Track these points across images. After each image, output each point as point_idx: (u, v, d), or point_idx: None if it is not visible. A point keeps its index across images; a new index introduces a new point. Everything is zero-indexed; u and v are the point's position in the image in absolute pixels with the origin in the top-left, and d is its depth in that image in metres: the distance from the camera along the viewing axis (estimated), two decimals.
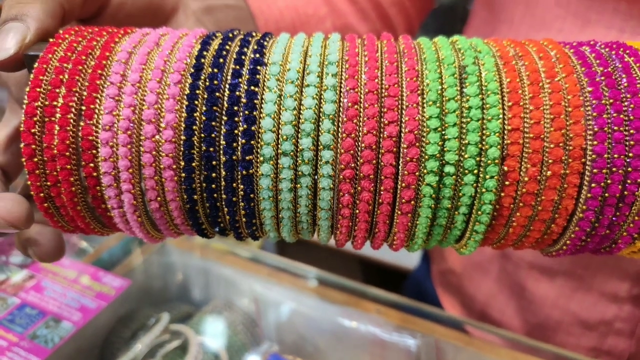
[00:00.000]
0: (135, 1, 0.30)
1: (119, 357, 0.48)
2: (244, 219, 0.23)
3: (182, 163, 0.22)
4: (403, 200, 0.22)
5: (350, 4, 0.51)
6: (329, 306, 0.50)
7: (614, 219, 0.22)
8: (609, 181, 0.21)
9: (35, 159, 0.22)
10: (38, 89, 0.22)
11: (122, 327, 0.51)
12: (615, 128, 0.21)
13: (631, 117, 0.21)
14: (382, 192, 0.22)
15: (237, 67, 0.22)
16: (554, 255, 0.25)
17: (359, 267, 1.39)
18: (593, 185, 0.21)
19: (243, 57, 0.23)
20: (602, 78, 0.22)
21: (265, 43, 0.24)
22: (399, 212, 0.22)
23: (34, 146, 0.22)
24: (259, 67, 0.22)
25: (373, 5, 0.54)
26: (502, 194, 0.21)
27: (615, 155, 0.21)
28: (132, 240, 0.57)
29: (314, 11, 0.47)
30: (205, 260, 0.56)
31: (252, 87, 0.22)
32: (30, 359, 0.43)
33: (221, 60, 0.22)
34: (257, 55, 0.23)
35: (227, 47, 0.23)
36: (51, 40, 0.23)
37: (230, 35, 0.24)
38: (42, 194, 0.23)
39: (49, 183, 0.22)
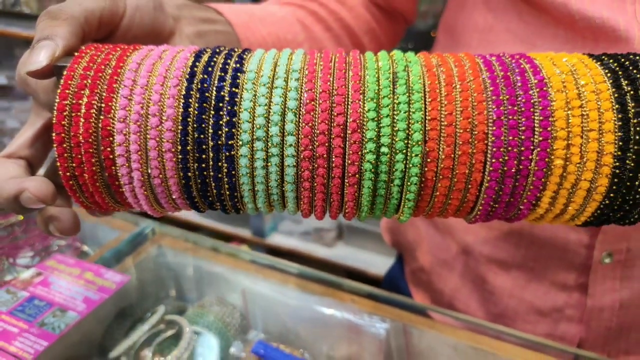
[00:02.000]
0: (140, 26, 0.36)
1: (119, 345, 0.53)
2: (227, 192, 0.29)
3: (179, 147, 0.28)
4: (349, 175, 0.28)
5: (325, 31, 0.58)
6: (309, 297, 0.55)
7: (513, 188, 0.28)
8: (506, 157, 0.27)
9: (64, 145, 0.28)
10: (67, 91, 0.28)
11: (122, 319, 0.57)
12: (510, 117, 0.27)
13: (523, 109, 0.27)
14: (333, 168, 0.28)
15: (222, 74, 0.29)
16: (473, 221, 0.31)
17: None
18: (493, 161, 0.27)
19: (227, 66, 0.29)
20: (502, 79, 0.28)
21: (245, 56, 0.30)
22: (347, 184, 0.28)
23: (63, 135, 0.28)
24: (239, 74, 0.29)
25: (347, 33, 0.61)
26: (426, 169, 0.28)
27: (510, 138, 0.27)
28: (130, 242, 0.63)
29: (293, 37, 0.54)
30: (198, 259, 0.62)
31: (234, 89, 0.28)
32: (40, 342, 0.48)
33: (210, 68, 0.29)
34: (238, 65, 0.29)
35: (215, 59, 0.30)
36: (76, 54, 0.30)
37: (218, 50, 0.31)
38: (68, 173, 0.29)
39: (74, 164, 0.28)
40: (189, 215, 1.97)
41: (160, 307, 0.57)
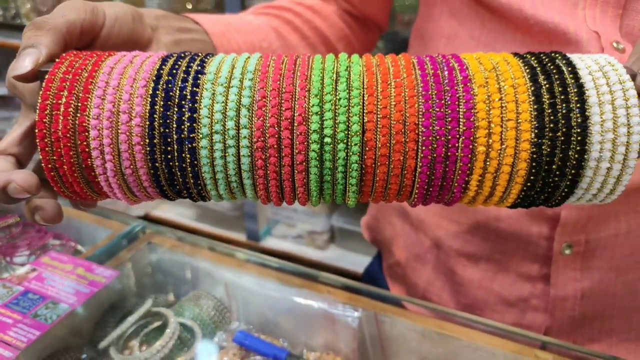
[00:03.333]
0: (119, 35, 0.40)
1: (108, 336, 0.57)
2: (191, 181, 0.33)
3: (147, 140, 0.32)
4: (297, 163, 0.32)
5: (301, 40, 0.62)
6: (288, 289, 0.59)
7: (444, 173, 0.32)
8: (435, 145, 0.31)
9: (46, 140, 0.32)
10: (48, 92, 0.32)
11: (112, 313, 0.60)
12: (437, 109, 0.31)
13: (449, 102, 0.31)
14: (283, 157, 0.32)
15: (185, 75, 0.33)
16: (414, 204, 0.35)
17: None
18: (423, 148, 0.31)
19: (190, 69, 0.33)
20: (432, 77, 0.32)
21: (206, 59, 0.34)
22: (296, 171, 0.32)
23: (44, 131, 0.32)
24: (199, 75, 0.33)
25: (322, 41, 0.64)
26: (365, 157, 0.32)
27: (438, 128, 0.31)
28: (121, 240, 0.67)
29: (268, 45, 0.58)
30: (185, 255, 0.66)
31: (195, 89, 0.32)
32: (32, 332, 0.52)
33: (174, 71, 0.33)
34: (199, 68, 0.33)
35: (179, 62, 0.34)
36: (57, 60, 0.34)
37: (183, 55, 0.35)
38: (49, 165, 0.32)
39: (54, 157, 0.32)
40: (185, 220, 2.01)
41: (148, 300, 0.61)
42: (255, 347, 0.55)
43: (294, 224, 1.83)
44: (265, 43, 0.57)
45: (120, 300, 0.62)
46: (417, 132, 0.31)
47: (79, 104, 0.32)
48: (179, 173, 0.33)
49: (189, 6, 1.67)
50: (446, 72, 0.32)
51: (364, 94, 0.32)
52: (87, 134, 0.32)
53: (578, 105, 0.31)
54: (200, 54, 0.35)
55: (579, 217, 0.53)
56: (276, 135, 0.31)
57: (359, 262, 1.69)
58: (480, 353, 0.52)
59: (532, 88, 0.31)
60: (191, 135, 0.32)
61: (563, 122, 0.31)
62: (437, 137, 0.31)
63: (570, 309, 0.59)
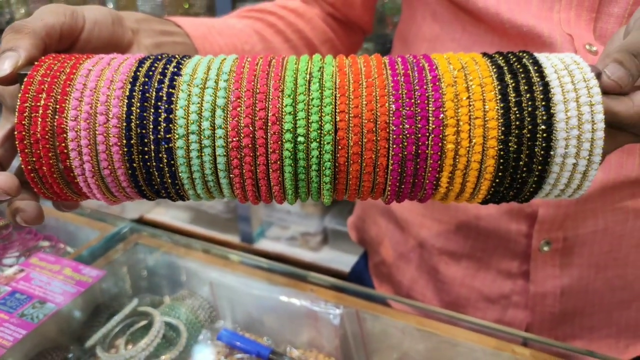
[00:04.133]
0: (99, 38, 0.41)
1: (94, 335, 0.58)
2: (169, 180, 0.34)
3: (124, 141, 0.32)
4: (272, 162, 0.32)
5: (284, 42, 0.63)
6: (272, 288, 0.60)
7: (415, 170, 0.33)
8: (405, 143, 0.32)
9: (25, 142, 0.32)
10: (27, 95, 0.32)
11: (98, 312, 0.61)
12: (407, 108, 0.32)
13: (418, 101, 0.32)
14: (258, 157, 0.32)
15: (161, 77, 0.33)
16: (388, 202, 0.36)
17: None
18: (394, 146, 0.32)
19: (166, 70, 0.34)
20: (402, 77, 0.33)
21: (183, 61, 0.35)
22: (271, 170, 0.33)
23: (24, 133, 0.32)
24: (175, 77, 0.33)
25: (305, 44, 0.65)
26: (338, 155, 0.32)
27: (408, 126, 0.32)
28: (108, 241, 0.67)
29: (251, 47, 0.58)
30: (171, 256, 0.66)
31: (170, 90, 0.33)
32: (18, 331, 0.52)
33: (151, 73, 0.34)
34: (175, 69, 0.34)
35: (156, 64, 0.34)
36: (36, 63, 0.34)
37: (160, 57, 0.35)
38: (29, 167, 0.33)
39: (34, 159, 0.33)
40: (180, 222, 2.02)
41: (134, 299, 0.61)
42: (239, 345, 0.56)
43: (287, 226, 1.84)
44: (247, 46, 0.58)
45: (107, 299, 0.63)
46: (388, 130, 0.32)
47: (57, 106, 0.32)
48: (156, 173, 0.33)
49: (181, 10, 1.68)
50: (416, 72, 0.33)
51: (336, 94, 0.32)
52: (65, 135, 0.32)
53: (543, 103, 0.32)
54: (177, 56, 0.36)
55: (557, 214, 0.54)
56: (251, 135, 0.32)
57: (352, 263, 1.69)
58: (459, 349, 0.53)
59: (499, 87, 0.32)
60: (167, 136, 0.32)
61: (529, 119, 0.32)
62: (408, 135, 0.32)
63: (550, 305, 0.60)
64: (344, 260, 1.73)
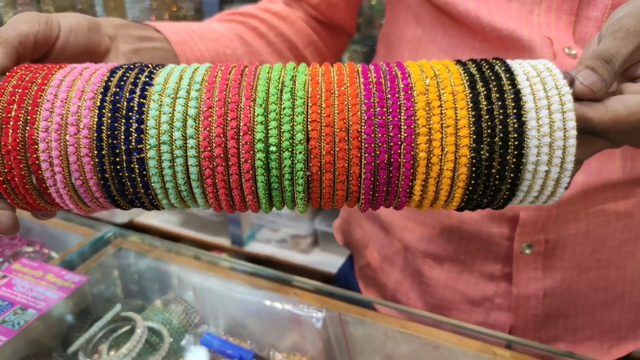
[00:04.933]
0: (75, 46, 0.41)
1: (77, 341, 0.57)
2: (142, 190, 0.34)
3: (96, 152, 0.32)
4: (244, 171, 0.32)
5: (267, 46, 0.63)
6: (255, 291, 0.60)
7: (388, 179, 0.33)
8: (377, 152, 0.32)
9: None
10: None
11: (82, 318, 0.61)
12: (379, 117, 0.32)
13: (390, 110, 0.32)
14: (230, 166, 0.32)
15: (133, 87, 0.33)
16: (363, 210, 0.36)
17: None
18: (366, 155, 0.32)
19: (138, 80, 0.34)
20: (375, 85, 0.33)
21: (155, 71, 0.35)
22: (244, 180, 0.33)
23: None
24: (147, 87, 0.33)
25: (288, 47, 0.65)
26: (311, 164, 0.32)
27: (380, 135, 0.32)
28: (92, 246, 0.67)
29: (232, 52, 0.58)
30: (155, 260, 0.66)
31: (142, 100, 0.33)
32: None
33: (122, 83, 0.33)
34: (147, 79, 0.34)
35: (128, 74, 0.34)
36: (7, 74, 0.34)
37: (132, 66, 0.35)
38: (1, 178, 0.33)
39: (5, 170, 0.33)
40: (170, 226, 2.02)
41: (117, 305, 0.61)
42: (222, 349, 0.56)
43: (277, 228, 1.85)
44: (229, 50, 0.57)
45: (90, 305, 0.63)
46: (360, 139, 0.32)
47: (29, 117, 0.32)
48: (129, 183, 0.33)
49: (167, 14, 1.67)
50: (388, 81, 0.33)
51: (307, 103, 0.32)
52: (36, 146, 0.32)
53: (515, 110, 0.32)
54: (150, 65, 0.36)
55: (538, 217, 0.54)
56: (222, 145, 0.32)
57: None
58: (441, 351, 0.53)
59: (470, 95, 0.32)
60: (139, 146, 0.32)
61: (500, 127, 0.32)
62: (380, 144, 0.32)
63: (533, 307, 0.60)
64: (334, 262, 1.73)
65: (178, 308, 0.62)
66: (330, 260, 1.76)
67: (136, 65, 0.36)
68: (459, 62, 0.35)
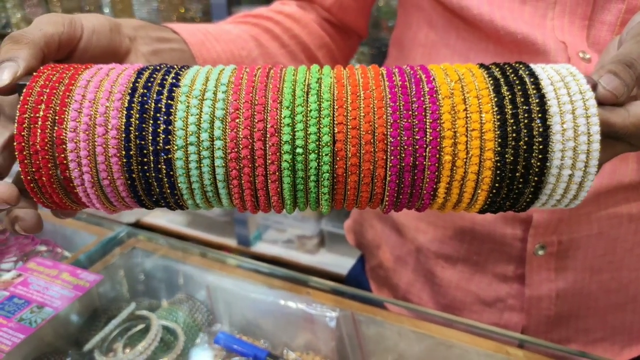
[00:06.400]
0: (97, 47, 0.41)
1: (92, 339, 0.58)
2: (168, 190, 0.34)
3: (123, 152, 0.33)
4: (270, 173, 0.33)
5: (280, 47, 0.63)
6: (269, 290, 0.60)
7: (413, 181, 0.33)
8: (403, 155, 0.32)
9: (24, 152, 0.33)
10: (26, 106, 0.33)
11: (96, 316, 0.61)
12: (405, 120, 0.32)
13: (416, 113, 0.32)
14: (257, 168, 0.33)
15: (160, 88, 0.33)
16: (386, 211, 0.36)
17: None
18: (392, 157, 0.32)
19: (165, 81, 0.34)
20: (400, 88, 0.33)
21: (181, 72, 0.35)
22: (270, 181, 0.33)
23: (23, 144, 0.32)
24: (174, 88, 0.33)
25: (302, 49, 0.65)
26: (336, 167, 0.33)
27: (405, 138, 0.32)
28: (105, 245, 0.67)
29: (248, 53, 0.58)
30: (168, 259, 0.67)
31: (169, 101, 0.33)
32: (17, 335, 0.52)
33: (149, 84, 0.34)
34: (174, 80, 0.34)
35: (155, 75, 0.34)
36: (34, 74, 0.34)
37: (158, 67, 0.35)
38: (29, 177, 0.33)
39: (33, 169, 0.33)
40: (177, 226, 2.02)
41: (132, 303, 0.61)
42: (236, 348, 0.56)
43: (284, 229, 1.85)
44: (244, 52, 0.58)
45: (104, 304, 0.63)
46: (385, 142, 0.32)
47: (57, 117, 0.33)
48: (155, 183, 0.34)
49: (176, 15, 1.67)
50: (413, 84, 0.33)
51: (334, 105, 0.33)
52: (64, 146, 0.32)
53: (539, 115, 0.32)
54: (175, 67, 0.36)
55: (551, 219, 0.54)
56: (249, 147, 0.32)
57: (348, 265, 1.70)
58: (454, 350, 0.54)
59: (496, 99, 0.32)
60: (166, 147, 0.32)
61: (525, 131, 0.32)
62: (405, 146, 0.32)
63: (545, 308, 0.60)
64: (341, 263, 1.74)
65: (191, 307, 0.62)
66: (336, 261, 1.76)
67: (162, 66, 0.36)
68: (482, 65, 0.35)
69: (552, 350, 0.54)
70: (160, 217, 2.08)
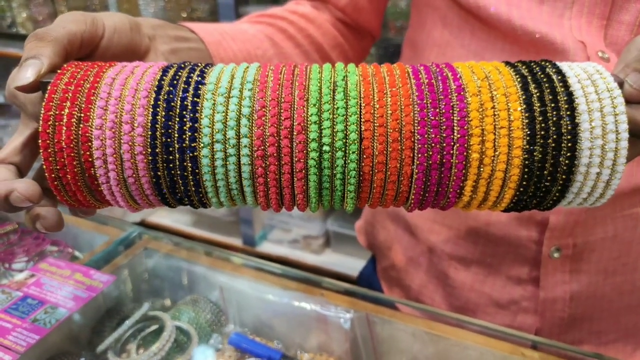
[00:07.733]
0: (118, 46, 0.41)
1: (106, 340, 0.57)
2: (192, 188, 0.34)
3: (149, 150, 0.32)
4: (297, 170, 0.32)
5: (295, 47, 0.63)
6: (282, 291, 0.60)
7: (439, 179, 0.33)
8: (430, 153, 0.32)
9: (49, 150, 0.32)
10: (51, 103, 0.32)
11: (109, 317, 0.61)
12: (432, 117, 0.32)
13: (443, 111, 0.32)
14: (283, 165, 0.32)
15: (186, 86, 0.33)
16: (410, 210, 0.36)
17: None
18: (419, 155, 0.32)
19: (190, 79, 0.34)
20: (427, 86, 0.33)
21: (206, 70, 0.35)
22: (296, 179, 0.33)
23: (48, 141, 0.32)
24: (200, 86, 0.33)
25: (316, 49, 0.65)
26: (363, 164, 0.32)
27: (433, 136, 0.32)
28: (117, 246, 0.67)
29: (263, 53, 0.59)
30: (181, 260, 0.66)
31: (195, 99, 0.33)
32: (31, 336, 0.52)
33: (175, 82, 0.34)
34: (199, 78, 0.34)
35: (180, 73, 0.34)
36: (58, 71, 0.34)
37: (183, 65, 0.35)
38: (53, 175, 0.33)
39: (58, 167, 0.33)
40: (182, 225, 2.02)
41: (145, 304, 0.61)
42: (250, 349, 0.56)
43: (289, 229, 1.85)
44: (260, 51, 0.58)
45: (117, 304, 0.63)
46: (413, 139, 0.32)
47: (82, 115, 0.32)
48: (180, 181, 0.33)
49: (184, 15, 1.67)
50: (440, 82, 0.33)
51: (360, 103, 0.33)
52: (90, 144, 0.32)
53: (568, 112, 0.32)
54: (200, 64, 0.36)
55: (567, 221, 0.54)
56: (276, 144, 0.32)
57: (354, 265, 1.71)
58: (469, 352, 0.54)
59: (524, 96, 0.32)
60: (192, 145, 0.32)
61: (554, 129, 0.32)
62: (433, 144, 0.32)
63: (559, 310, 0.60)
64: (347, 263, 1.74)
65: (204, 307, 0.62)
66: (342, 261, 1.76)
67: (186, 64, 0.36)
68: (508, 63, 0.35)
69: (567, 352, 0.54)
70: (165, 216, 2.08)
